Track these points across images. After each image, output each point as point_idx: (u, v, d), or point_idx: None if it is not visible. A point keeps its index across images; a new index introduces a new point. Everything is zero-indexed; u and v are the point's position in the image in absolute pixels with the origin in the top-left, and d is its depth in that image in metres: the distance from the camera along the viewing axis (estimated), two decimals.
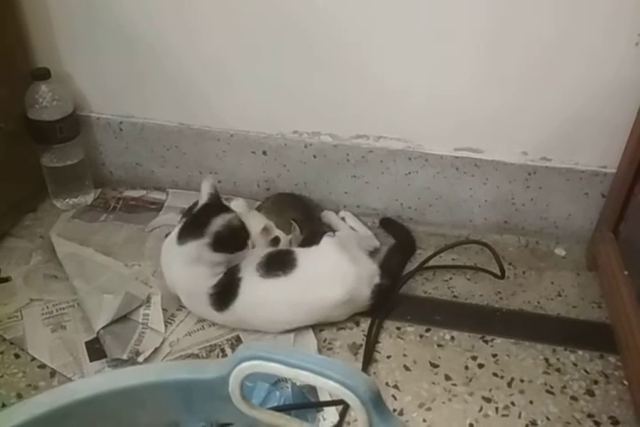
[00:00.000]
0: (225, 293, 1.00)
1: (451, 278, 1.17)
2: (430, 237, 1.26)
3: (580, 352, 1.03)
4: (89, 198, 1.32)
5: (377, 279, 1.06)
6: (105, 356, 0.98)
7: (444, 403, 0.94)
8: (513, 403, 0.94)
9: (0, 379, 0.96)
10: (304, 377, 0.51)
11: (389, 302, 1.09)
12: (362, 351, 1.02)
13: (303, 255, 1.04)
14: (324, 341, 1.04)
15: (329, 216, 1.26)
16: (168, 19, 1.15)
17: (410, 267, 1.18)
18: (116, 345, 0.99)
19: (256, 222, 1.12)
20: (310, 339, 1.03)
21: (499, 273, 1.15)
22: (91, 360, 0.99)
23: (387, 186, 1.25)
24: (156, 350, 1.00)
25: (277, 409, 0.84)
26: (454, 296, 1.13)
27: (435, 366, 1.00)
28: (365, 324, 1.06)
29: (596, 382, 0.98)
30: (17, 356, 1.00)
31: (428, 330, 1.06)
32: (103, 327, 1.01)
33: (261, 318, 1.02)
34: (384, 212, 1.29)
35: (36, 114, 1.18)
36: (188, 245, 1.00)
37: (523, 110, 1.13)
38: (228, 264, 1.02)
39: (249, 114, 1.24)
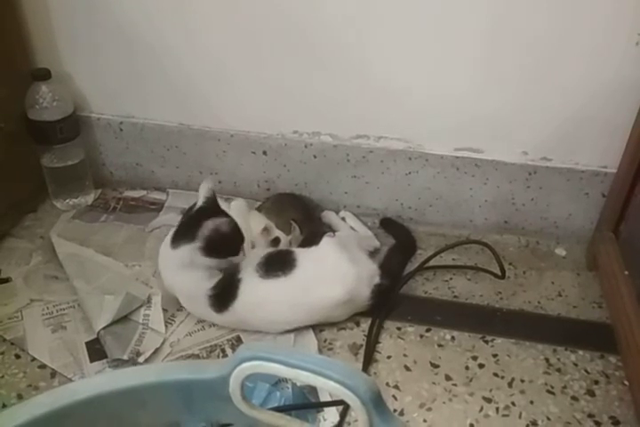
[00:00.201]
0: (224, 294, 1.00)
1: (451, 278, 1.17)
2: (430, 237, 1.26)
3: (581, 352, 1.03)
4: (89, 199, 1.32)
5: (377, 279, 1.06)
6: (105, 356, 0.98)
7: (444, 403, 0.94)
8: (513, 403, 0.94)
9: (0, 379, 0.96)
10: (304, 377, 0.51)
11: (390, 302, 1.09)
12: (362, 352, 1.02)
13: (303, 255, 1.04)
14: (325, 341, 1.04)
15: (329, 216, 1.26)
16: (168, 19, 1.15)
17: (410, 267, 1.18)
18: (116, 346, 0.99)
19: (256, 223, 1.12)
20: (310, 339, 1.03)
21: (499, 273, 1.15)
22: (91, 361, 0.99)
23: (387, 186, 1.25)
24: (156, 351, 1.00)
25: (278, 410, 0.83)
26: (455, 296, 1.13)
27: (435, 366, 1.00)
28: (366, 324, 1.06)
29: (596, 383, 0.98)
30: (17, 356, 1.00)
31: (428, 330, 1.06)
32: (104, 328, 1.01)
33: (261, 318, 1.02)
34: (384, 212, 1.29)
35: (37, 114, 1.19)
36: (181, 248, 0.99)
37: (523, 110, 1.13)
38: (221, 269, 1.01)
39: (249, 114, 1.24)
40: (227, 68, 1.19)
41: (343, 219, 1.26)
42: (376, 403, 0.50)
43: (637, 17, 1.00)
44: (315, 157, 1.24)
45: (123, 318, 1.04)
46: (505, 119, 1.14)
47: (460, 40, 1.07)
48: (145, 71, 1.22)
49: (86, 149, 1.29)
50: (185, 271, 1.00)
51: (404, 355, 1.02)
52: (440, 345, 1.04)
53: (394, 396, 0.95)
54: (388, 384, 0.96)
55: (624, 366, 0.99)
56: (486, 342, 1.05)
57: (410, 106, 1.16)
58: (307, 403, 0.91)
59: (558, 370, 1.00)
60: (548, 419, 0.92)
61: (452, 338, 1.05)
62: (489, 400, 0.95)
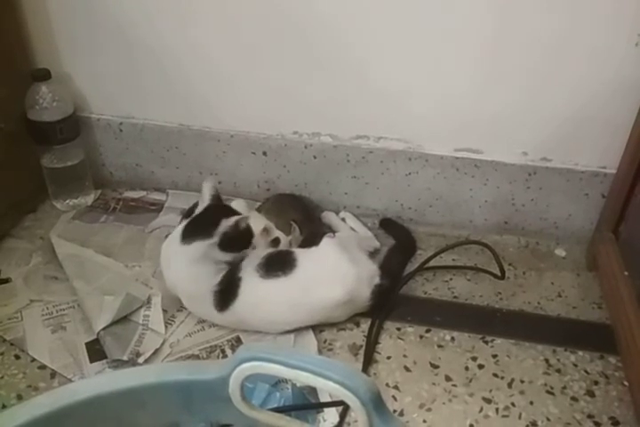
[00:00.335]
0: (226, 292, 1.00)
1: (451, 279, 1.17)
2: (430, 238, 1.26)
3: (581, 353, 1.03)
4: (89, 199, 1.32)
5: (377, 280, 1.06)
6: (105, 357, 0.98)
7: (444, 404, 0.94)
8: (513, 404, 0.94)
9: (0, 380, 0.96)
10: (304, 378, 0.51)
11: (389, 302, 1.09)
12: (362, 352, 1.02)
13: (303, 256, 1.04)
14: (325, 341, 1.04)
15: (329, 217, 1.26)
16: (168, 19, 1.15)
17: (410, 267, 1.18)
18: (116, 346, 0.99)
19: (256, 223, 1.12)
20: (310, 340, 1.03)
21: (499, 274, 1.15)
22: (91, 361, 0.99)
23: (387, 186, 1.25)
24: (156, 351, 1.00)
25: (277, 410, 0.83)
26: (454, 297, 1.13)
27: (435, 366, 1.00)
28: (365, 324, 1.06)
29: (596, 383, 0.98)
30: (17, 357, 1.00)
31: (428, 331, 1.06)
32: (103, 328, 1.01)
33: (261, 318, 1.02)
34: (384, 212, 1.29)
35: (37, 115, 1.19)
36: (194, 244, 1.00)
37: (523, 111, 1.13)
38: (231, 263, 1.02)
39: (249, 114, 1.24)
40: (227, 69, 1.19)
41: (343, 219, 1.26)
42: (376, 404, 0.50)
43: (637, 17, 1.00)
44: (315, 157, 1.24)
45: (122, 319, 1.04)
46: (505, 120, 1.14)
47: (460, 40, 1.07)
48: (145, 72, 1.22)
49: (86, 149, 1.29)
50: (192, 267, 1.00)
51: (404, 355, 1.02)
52: (440, 346, 1.04)
53: (394, 396, 0.95)
54: (387, 385, 0.96)
55: (624, 366, 0.99)
56: (486, 342, 1.05)
57: (410, 106, 1.16)
58: (306, 404, 0.91)
59: (558, 371, 1.00)
60: (548, 420, 0.92)
61: (452, 339, 1.05)
62: (489, 401, 0.95)
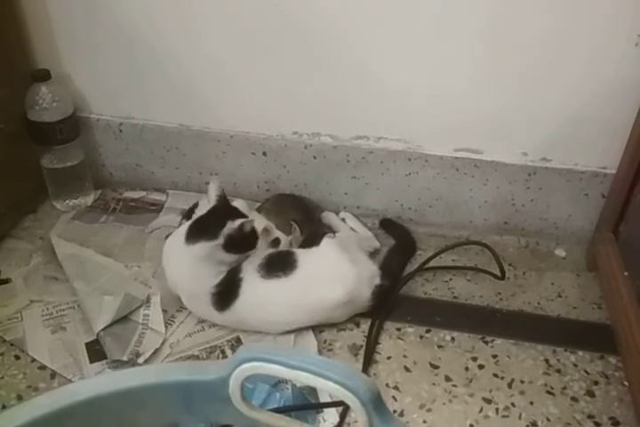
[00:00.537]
0: (226, 293, 1.00)
1: (451, 279, 1.17)
2: (430, 238, 1.26)
3: (581, 353, 1.03)
4: (89, 200, 1.32)
5: (377, 280, 1.06)
6: (105, 357, 0.98)
7: (444, 404, 0.94)
8: (513, 404, 0.94)
9: (0, 380, 0.96)
10: (304, 378, 0.51)
11: (390, 302, 1.09)
12: (362, 352, 1.02)
13: (303, 256, 1.04)
14: (325, 342, 1.03)
15: (329, 217, 1.26)
16: (168, 19, 1.15)
17: (410, 268, 1.18)
18: (116, 346, 0.99)
19: (256, 224, 1.12)
20: (310, 340, 1.03)
21: (499, 274, 1.16)
22: (91, 362, 0.99)
23: (387, 187, 1.25)
24: (156, 352, 1.00)
25: (277, 411, 0.83)
26: (454, 297, 1.13)
27: (435, 367, 1.00)
28: (365, 325, 1.06)
29: (596, 383, 0.98)
30: (17, 357, 1.00)
31: (428, 331, 1.06)
32: (103, 329, 1.01)
33: (262, 318, 1.02)
34: (384, 213, 1.29)
35: (37, 115, 1.19)
36: (199, 245, 0.99)
37: (522, 111, 1.13)
38: (233, 264, 1.02)
39: (249, 115, 1.24)
40: (227, 69, 1.19)
41: (343, 220, 1.26)
42: (376, 404, 0.50)
43: (637, 17, 1.00)
44: (314, 157, 1.24)
45: (122, 319, 1.04)
46: (504, 120, 1.14)
47: (460, 40, 1.07)
48: (145, 72, 1.22)
49: (86, 149, 1.29)
50: (195, 267, 1.00)
51: (404, 356, 1.02)
52: (440, 346, 1.04)
53: (394, 397, 0.95)
54: (387, 385, 0.96)
55: (624, 366, 0.99)
56: (486, 342, 1.04)
57: (409, 106, 1.16)
58: (306, 404, 0.91)
59: (558, 371, 1.00)
60: (548, 420, 0.92)
61: (452, 339, 1.05)
62: (489, 401, 0.95)
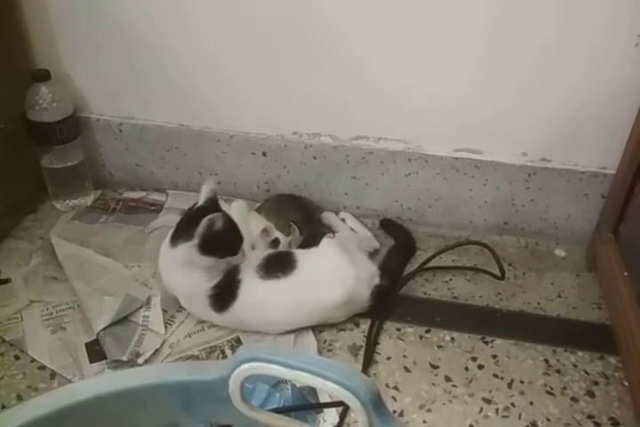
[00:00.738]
0: (224, 294, 1.00)
1: (451, 279, 1.17)
2: (430, 238, 1.26)
3: (580, 353, 1.03)
4: (89, 200, 1.32)
5: (377, 280, 1.06)
6: (105, 357, 0.98)
7: (444, 404, 0.94)
8: (513, 404, 0.94)
9: (0, 380, 0.96)
10: (304, 379, 0.51)
11: (389, 303, 1.09)
12: (362, 353, 1.02)
13: (303, 257, 1.04)
14: (324, 342, 1.03)
15: (329, 217, 1.26)
16: (167, 20, 1.15)
17: (410, 268, 1.18)
18: (116, 347, 0.99)
19: (256, 224, 1.12)
20: (310, 340, 1.03)
21: (499, 274, 1.16)
22: (91, 362, 0.99)
23: (387, 187, 1.25)
24: (156, 352, 1.00)
25: (277, 411, 0.84)
26: (454, 297, 1.13)
27: (435, 367, 1.00)
28: (365, 325, 1.06)
29: (596, 384, 0.98)
30: (17, 357, 1.00)
31: (428, 331, 1.06)
32: (103, 329, 1.01)
33: (261, 319, 1.02)
34: (384, 213, 1.29)
35: (36, 115, 1.19)
36: (180, 247, 0.99)
37: (522, 111, 1.13)
38: (221, 269, 1.01)
39: (249, 115, 1.24)
40: (226, 69, 1.19)
41: (343, 220, 1.26)
42: (376, 404, 0.50)
43: (637, 17, 1.00)
44: (314, 158, 1.24)
45: (122, 320, 1.04)
46: (504, 120, 1.14)
47: (460, 40, 1.07)
48: (145, 72, 1.22)
49: (86, 149, 1.29)
50: (185, 271, 1.00)
51: (404, 356, 1.02)
52: (440, 346, 1.04)
53: (393, 397, 0.95)
54: (387, 385, 0.96)
55: (624, 367, 0.99)
56: (486, 342, 1.04)
57: (409, 107, 1.16)
58: (306, 404, 0.91)
59: (558, 371, 1.00)
60: (548, 420, 0.92)
61: (452, 339, 1.05)
62: (489, 401, 0.95)
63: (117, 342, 0.99)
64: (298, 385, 0.91)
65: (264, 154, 1.26)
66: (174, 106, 1.25)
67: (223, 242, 0.99)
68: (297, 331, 1.03)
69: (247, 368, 0.53)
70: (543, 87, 1.09)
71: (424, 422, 0.92)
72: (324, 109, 1.20)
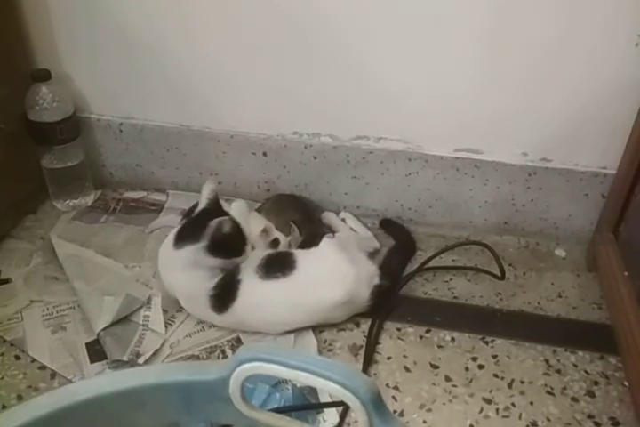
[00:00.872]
0: (224, 294, 1.00)
1: (451, 279, 1.17)
2: (430, 238, 1.26)
3: (581, 353, 1.03)
4: (89, 200, 1.32)
5: (377, 280, 1.06)
6: (105, 357, 0.98)
7: (444, 404, 0.94)
8: (513, 404, 0.94)
9: (0, 380, 0.96)
10: (304, 378, 0.51)
11: (389, 303, 1.09)
12: (362, 352, 1.02)
13: (303, 257, 1.04)
14: (325, 342, 1.03)
15: (329, 217, 1.26)
16: (168, 20, 1.15)
17: (410, 268, 1.18)
18: (116, 347, 0.99)
19: (256, 224, 1.12)
20: (310, 340, 1.03)
21: (499, 274, 1.15)
22: (91, 362, 0.99)
23: (387, 187, 1.25)
24: (156, 352, 1.00)
25: (278, 411, 0.83)
26: (454, 297, 1.13)
27: (435, 367, 1.00)
28: (365, 325, 1.06)
29: (596, 383, 0.98)
30: (17, 357, 1.00)
31: (428, 331, 1.06)
32: (103, 329, 1.01)
33: (261, 319, 1.02)
34: (384, 213, 1.29)
35: (37, 115, 1.19)
36: (185, 249, 1.00)
37: (523, 111, 1.13)
38: (225, 269, 1.02)
39: (249, 115, 1.24)
40: (226, 69, 1.19)
41: (343, 220, 1.26)
42: (376, 404, 0.50)
43: (637, 17, 1.00)
44: (315, 157, 1.25)
45: (123, 319, 1.04)
46: (505, 120, 1.14)
47: (460, 40, 1.07)
48: (145, 72, 1.22)
49: (86, 149, 1.29)
50: (187, 271, 1.00)
51: (404, 356, 1.02)
52: (440, 346, 1.04)
53: (394, 397, 0.95)
54: (387, 385, 0.96)
55: (624, 366, 0.99)
56: (486, 342, 1.05)
57: (409, 106, 1.16)
58: (307, 404, 0.91)
59: (558, 371, 1.00)
60: (548, 420, 0.92)
61: (452, 339, 1.05)
62: (489, 401, 0.95)
63: (118, 342, 0.99)
64: (298, 385, 0.91)
65: (264, 154, 1.26)
66: (174, 106, 1.25)
67: (230, 243, 1.01)
68: (297, 331, 1.03)
69: (247, 368, 0.53)
70: (543, 87, 1.09)
71: (424, 421, 0.92)
72: (325, 109, 1.20)
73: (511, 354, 1.02)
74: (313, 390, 0.92)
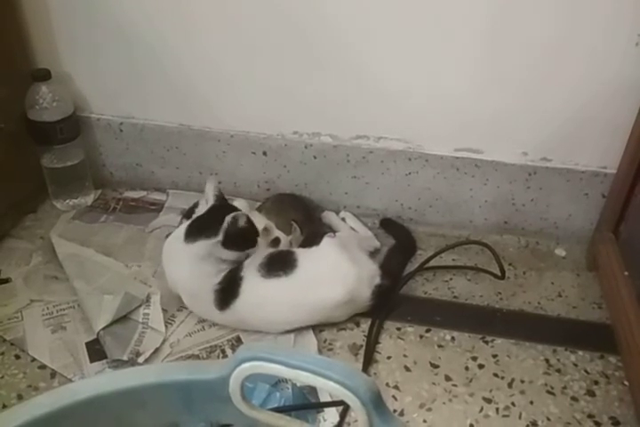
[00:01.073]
0: (227, 291, 1.00)
1: (451, 279, 1.17)
2: (430, 238, 1.26)
3: (581, 353, 1.03)
4: (89, 199, 1.32)
5: (377, 280, 1.06)
6: (105, 357, 0.98)
7: (444, 404, 0.94)
8: (513, 403, 0.94)
9: (0, 380, 0.96)
10: (304, 378, 0.51)
11: (390, 302, 1.09)
12: (362, 352, 1.02)
13: (304, 256, 1.04)
14: (325, 341, 1.04)
15: (329, 217, 1.26)
16: (168, 19, 1.15)
17: (410, 267, 1.18)
18: (116, 346, 0.99)
19: (256, 223, 1.12)
20: (311, 340, 1.03)
21: (499, 274, 1.15)
22: (91, 361, 0.99)
23: (387, 186, 1.25)
24: (156, 351, 1.00)
25: (278, 410, 0.84)
26: (454, 297, 1.13)
27: (435, 366, 1.00)
28: (366, 324, 1.06)
29: (596, 383, 0.98)
30: (17, 357, 1.00)
31: (428, 331, 1.06)
32: (103, 328, 1.01)
33: (262, 318, 1.02)
34: (384, 212, 1.29)
35: (37, 115, 1.19)
36: (198, 243, 0.99)
37: (523, 111, 1.13)
38: (235, 262, 1.02)
39: (249, 114, 1.24)
40: (227, 69, 1.19)
41: (343, 219, 1.26)
42: (376, 403, 0.50)
43: (637, 17, 1.00)
44: (315, 157, 1.25)
45: (122, 318, 1.04)
46: (505, 120, 1.14)
47: (460, 40, 1.07)
48: (145, 72, 1.22)
49: (86, 149, 1.29)
50: (195, 266, 1.00)
51: (404, 355, 1.02)
52: (440, 346, 1.04)
53: (394, 396, 0.95)
54: (387, 385, 0.96)
55: (624, 366, 0.99)
56: (486, 342, 1.05)
57: (410, 106, 1.16)
58: (307, 403, 0.91)
59: (558, 370, 1.00)
60: (548, 419, 0.92)
61: (452, 338, 1.05)
62: (489, 401, 0.95)
63: (118, 342, 1.00)
64: (298, 384, 0.91)
65: (264, 153, 1.26)
66: (174, 106, 1.25)
67: (246, 236, 1.02)
68: (297, 330, 1.03)
69: (247, 367, 0.53)
70: (543, 87, 1.09)
71: (424, 421, 0.92)
72: (325, 109, 1.20)
73: (511, 354, 1.02)
74: (313, 390, 0.92)
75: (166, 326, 1.04)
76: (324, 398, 0.92)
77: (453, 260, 1.21)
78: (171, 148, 1.30)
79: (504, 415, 0.93)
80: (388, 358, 1.01)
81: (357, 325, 1.07)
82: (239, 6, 1.11)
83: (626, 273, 1.04)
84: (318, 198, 1.30)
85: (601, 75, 1.06)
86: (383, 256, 1.19)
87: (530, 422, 0.92)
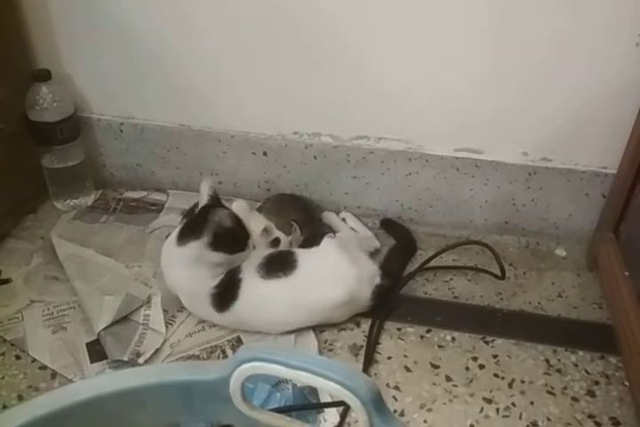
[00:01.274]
0: (226, 293, 1.00)
1: (451, 279, 1.17)
2: (431, 238, 1.26)
3: (581, 353, 1.03)
4: (89, 199, 1.32)
5: (377, 280, 1.06)
6: (106, 357, 0.98)
7: (444, 404, 0.94)
8: (514, 404, 0.94)
9: (1, 380, 0.96)
10: (305, 378, 0.51)
11: (390, 302, 1.09)
12: (362, 352, 1.02)
13: (304, 256, 1.04)
14: (325, 342, 1.03)
15: (329, 217, 1.26)
16: (168, 20, 1.15)
17: (410, 268, 1.18)
18: (116, 346, 0.99)
19: (256, 223, 1.12)
20: (311, 340, 1.03)
21: (499, 274, 1.15)
22: (91, 362, 0.99)
23: (387, 187, 1.25)
24: (156, 352, 1.00)
25: (278, 411, 0.83)
26: (455, 297, 1.13)
27: (435, 366, 1.00)
28: (366, 325, 1.06)
29: (596, 383, 0.98)
30: (18, 357, 1.00)
31: (428, 331, 1.06)
32: (104, 329, 1.01)
33: (262, 319, 1.02)
34: (384, 212, 1.29)
35: (37, 115, 1.19)
36: (189, 246, 0.99)
37: (523, 111, 1.13)
38: (228, 266, 1.02)
39: (249, 115, 1.24)
40: (227, 69, 1.19)
41: (343, 220, 1.26)
42: (376, 404, 0.50)
43: (637, 17, 1.00)
44: (315, 157, 1.25)
45: (123, 319, 1.04)
46: (505, 120, 1.14)
47: (460, 40, 1.07)
48: (145, 72, 1.22)
49: (87, 149, 1.29)
50: (190, 269, 1.00)
51: (405, 356, 1.02)
52: (440, 346, 1.04)
53: (394, 397, 0.95)
54: (388, 385, 0.96)
55: (624, 366, 0.99)
56: (486, 342, 1.04)
57: (410, 106, 1.16)
58: (307, 404, 0.91)
59: (558, 371, 1.00)
60: (549, 420, 0.92)
61: (453, 339, 1.05)
62: (489, 401, 0.95)
63: (118, 342, 0.99)
64: (299, 385, 0.91)
65: (265, 154, 1.26)
66: (175, 106, 1.25)
67: (232, 237, 1.01)
68: (297, 331, 1.03)
69: (248, 368, 0.53)
70: (543, 87, 1.09)
71: (425, 421, 0.92)
72: (325, 109, 1.20)
73: (512, 354, 1.02)
74: (313, 390, 0.92)
75: (167, 326, 1.04)
76: (324, 398, 0.92)
77: (454, 260, 1.21)
78: (171, 148, 1.30)
79: (504, 416, 0.93)
80: (389, 358, 1.01)
81: (358, 325, 1.07)
82: (239, 6, 1.11)
83: (626, 273, 1.04)
84: (318, 199, 1.30)
85: (601, 75, 1.06)
86: (383, 256, 1.19)
87: (530, 422, 0.92)
